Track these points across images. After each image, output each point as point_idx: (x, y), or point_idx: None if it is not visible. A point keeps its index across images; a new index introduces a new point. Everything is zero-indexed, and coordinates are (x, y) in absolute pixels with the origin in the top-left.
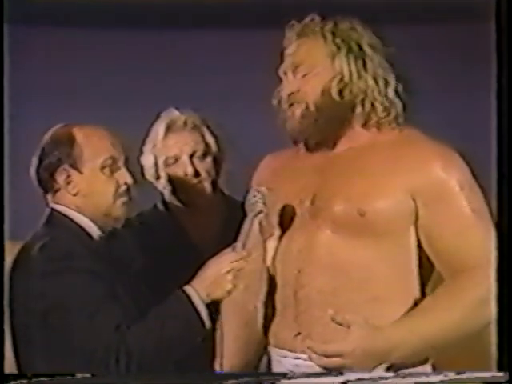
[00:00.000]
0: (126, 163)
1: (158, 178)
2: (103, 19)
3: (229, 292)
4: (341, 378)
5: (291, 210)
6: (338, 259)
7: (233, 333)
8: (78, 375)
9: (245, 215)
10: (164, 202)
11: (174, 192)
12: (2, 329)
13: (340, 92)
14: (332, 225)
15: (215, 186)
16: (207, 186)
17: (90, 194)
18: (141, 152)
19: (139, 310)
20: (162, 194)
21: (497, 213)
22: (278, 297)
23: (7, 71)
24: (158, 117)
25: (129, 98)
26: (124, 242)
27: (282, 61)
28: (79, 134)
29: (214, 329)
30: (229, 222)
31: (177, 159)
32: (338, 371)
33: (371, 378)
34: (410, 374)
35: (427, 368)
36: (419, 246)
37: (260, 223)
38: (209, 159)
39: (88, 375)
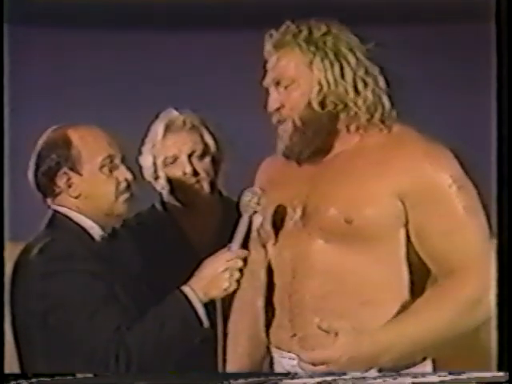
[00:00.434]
0: (124, 161)
1: (156, 178)
2: (103, 19)
3: (225, 291)
4: (345, 377)
5: (284, 218)
6: (329, 265)
7: (243, 332)
8: (79, 375)
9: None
10: (162, 202)
11: (172, 192)
12: (2, 329)
13: (321, 102)
14: (322, 233)
15: (213, 187)
16: (205, 186)
17: (92, 194)
18: (139, 152)
19: (139, 311)
20: (160, 194)
21: (497, 213)
22: (275, 299)
23: (7, 71)
24: (156, 117)
25: (128, 98)
26: (123, 243)
27: (264, 72)
28: (75, 135)
29: (213, 328)
30: (227, 223)
31: (175, 159)
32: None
33: (374, 377)
34: (410, 374)
35: (427, 366)
36: (407, 248)
37: (258, 231)
38: (207, 159)
39: (88, 375)
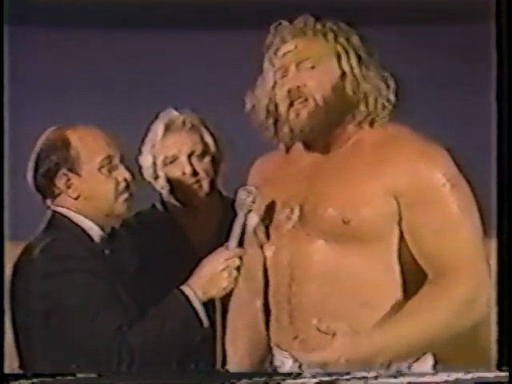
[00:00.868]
0: (123, 160)
1: (156, 177)
2: (103, 19)
3: (224, 290)
4: (347, 376)
5: (279, 218)
6: (328, 267)
7: (241, 333)
8: (79, 375)
9: None
10: (162, 202)
11: (172, 192)
12: (2, 329)
13: (345, 88)
14: (320, 233)
15: (213, 186)
16: (205, 185)
17: (91, 195)
18: (139, 152)
19: (140, 310)
20: (160, 194)
21: (497, 213)
22: (273, 301)
23: (7, 71)
24: (156, 117)
25: (128, 98)
26: (123, 243)
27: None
28: (73, 136)
29: (212, 328)
30: (226, 222)
31: (175, 159)
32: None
33: (375, 376)
34: (411, 374)
35: (428, 362)
36: (400, 247)
37: (254, 231)
38: (207, 159)
39: (89, 375)
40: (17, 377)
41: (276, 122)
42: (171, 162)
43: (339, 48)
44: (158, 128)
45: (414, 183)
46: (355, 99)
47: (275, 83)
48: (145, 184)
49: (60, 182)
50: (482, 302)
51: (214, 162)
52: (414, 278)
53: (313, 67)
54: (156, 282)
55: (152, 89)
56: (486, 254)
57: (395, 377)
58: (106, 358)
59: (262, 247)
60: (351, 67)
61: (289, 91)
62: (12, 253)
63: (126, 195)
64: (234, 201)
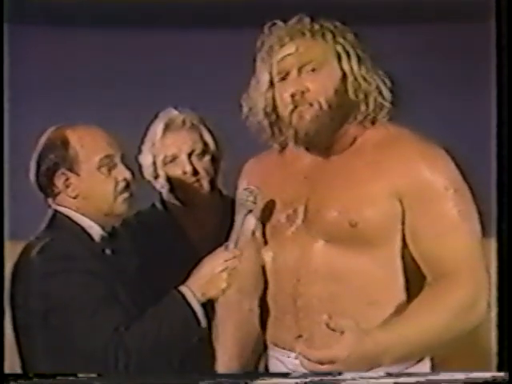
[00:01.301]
0: (123, 160)
1: (156, 177)
2: (103, 19)
3: (223, 291)
4: (340, 378)
5: (282, 220)
6: (334, 267)
7: (230, 335)
8: (80, 375)
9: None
10: (162, 201)
11: (172, 191)
12: (2, 329)
13: (346, 90)
14: (325, 235)
15: (213, 185)
16: (205, 184)
17: (90, 195)
18: (139, 151)
19: (139, 310)
20: (160, 193)
21: (497, 214)
22: (276, 305)
23: (7, 71)
24: (156, 116)
25: (127, 97)
26: (123, 242)
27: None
28: (73, 136)
29: (210, 329)
30: (227, 221)
31: (175, 158)
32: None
33: (371, 377)
34: (410, 374)
35: (425, 366)
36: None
37: (253, 233)
38: (207, 158)
39: (90, 375)
40: (17, 377)
41: (273, 123)
42: (171, 161)
43: (339, 48)
44: (158, 127)
45: (416, 185)
46: (356, 100)
47: (272, 84)
48: (145, 183)
49: (59, 182)
50: (482, 305)
51: (214, 160)
52: (417, 279)
53: (314, 70)
54: (156, 281)
55: (152, 88)
56: (486, 260)
57: (394, 377)
58: (104, 358)
59: (260, 249)
60: (351, 68)
61: (292, 96)
62: (12, 252)
63: (125, 195)
64: (234, 200)
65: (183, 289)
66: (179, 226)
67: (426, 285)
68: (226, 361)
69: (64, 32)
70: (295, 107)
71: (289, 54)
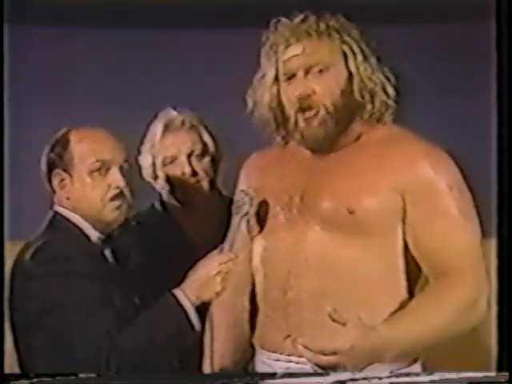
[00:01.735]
0: (124, 166)
1: (155, 177)
2: (103, 19)
3: (218, 294)
4: (330, 378)
5: (278, 208)
6: (326, 258)
7: (223, 334)
8: (80, 375)
9: None
10: (162, 202)
11: (171, 192)
12: (2, 329)
13: (353, 91)
14: (321, 222)
15: (213, 186)
16: (205, 185)
17: (80, 198)
18: (139, 152)
19: (135, 312)
20: (159, 194)
21: (497, 214)
22: (265, 299)
23: (7, 71)
24: (155, 117)
25: (127, 98)
26: (122, 244)
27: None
28: (74, 137)
29: (202, 330)
30: (226, 222)
31: (174, 159)
32: (329, 370)
33: (364, 378)
34: (407, 375)
35: (417, 368)
36: (405, 246)
37: (247, 221)
38: (206, 159)
39: (89, 375)
40: (17, 377)
41: (278, 117)
42: (171, 162)
43: (345, 48)
44: (157, 128)
45: (419, 182)
46: (362, 100)
47: (277, 79)
48: (144, 184)
49: (55, 181)
50: (482, 304)
51: (214, 161)
52: (417, 279)
53: (321, 71)
54: (155, 282)
55: (151, 89)
56: (486, 260)
57: (388, 377)
58: (96, 361)
59: (254, 239)
60: (357, 68)
61: (298, 98)
62: (12, 252)
63: (117, 203)
64: (233, 200)
65: (177, 292)
66: (179, 227)
67: (419, 282)
68: (219, 359)
69: (64, 32)
70: (301, 109)
71: (295, 55)
